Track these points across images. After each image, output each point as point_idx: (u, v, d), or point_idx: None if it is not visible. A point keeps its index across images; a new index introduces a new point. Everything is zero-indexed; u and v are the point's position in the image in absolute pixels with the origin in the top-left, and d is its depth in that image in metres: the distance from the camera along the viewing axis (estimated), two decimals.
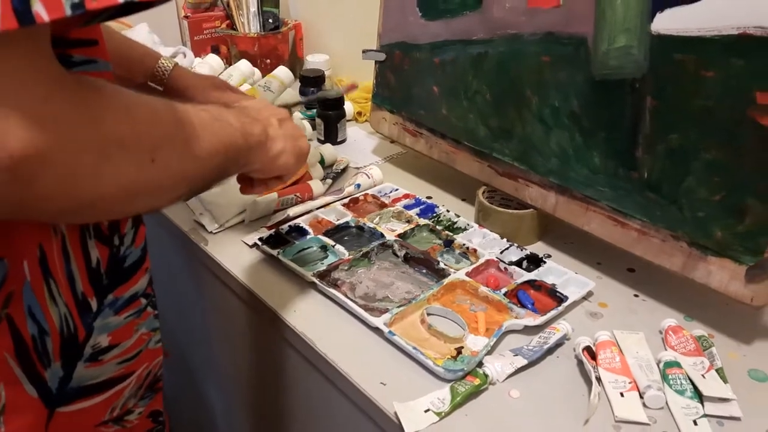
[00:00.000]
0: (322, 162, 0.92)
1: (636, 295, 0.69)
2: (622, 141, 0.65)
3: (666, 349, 0.60)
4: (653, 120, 0.62)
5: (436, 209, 0.83)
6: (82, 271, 0.48)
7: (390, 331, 0.61)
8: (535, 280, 0.68)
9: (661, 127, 0.62)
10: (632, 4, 0.61)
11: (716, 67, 0.56)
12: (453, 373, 0.56)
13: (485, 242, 0.76)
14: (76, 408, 0.52)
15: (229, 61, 1.29)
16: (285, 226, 0.78)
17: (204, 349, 0.94)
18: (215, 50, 1.36)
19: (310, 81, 1.11)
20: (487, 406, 0.55)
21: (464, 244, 0.74)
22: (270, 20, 1.31)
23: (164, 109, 0.42)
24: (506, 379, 0.57)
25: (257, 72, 1.15)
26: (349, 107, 1.10)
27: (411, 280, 0.70)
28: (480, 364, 0.58)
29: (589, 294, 0.68)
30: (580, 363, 0.59)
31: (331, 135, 1.03)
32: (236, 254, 0.75)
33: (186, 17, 1.35)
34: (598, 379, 0.56)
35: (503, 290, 0.66)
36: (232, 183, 0.60)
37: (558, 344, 0.61)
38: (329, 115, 1.02)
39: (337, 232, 0.78)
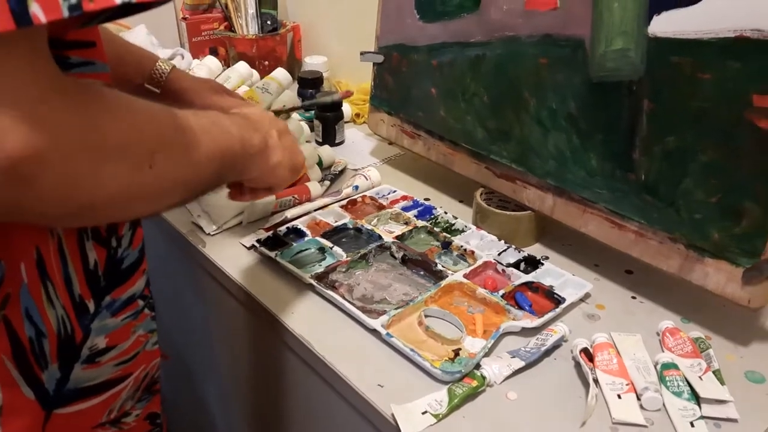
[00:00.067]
0: (320, 164, 0.92)
1: (633, 297, 0.69)
2: (620, 143, 0.65)
3: (663, 351, 0.60)
4: (650, 122, 0.62)
5: (433, 211, 0.83)
6: (80, 273, 0.48)
7: (388, 333, 0.61)
8: (532, 282, 0.68)
9: (658, 129, 0.62)
10: (629, 7, 0.61)
11: (713, 69, 0.57)
12: (450, 375, 0.56)
13: (483, 244, 0.76)
14: (74, 410, 0.51)
15: (227, 63, 1.29)
16: (283, 228, 0.78)
17: (202, 350, 0.94)
18: (213, 52, 1.36)
19: (309, 83, 1.11)
20: (485, 407, 0.55)
21: (462, 246, 0.74)
22: (268, 22, 1.31)
23: (163, 115, 0.42)
24: (504, 381, 0.57)
25: (255, 74, 1.15)
26: (347, 109, 1.10)
27: (409, 282, 0.70)
28: (477, 366, 0.58)
29: (587, 296, 0.68)
30: (578, 365, 0.59)
31: (329, 137, 1.03)
32: (234, 256, 0.75)
33: (184, 19, 1.35)
34: (596, 381, 0.56)
35: (501, 292, 0.66)
36: None
37: (555, 346, 0.61)
38: (327, 117, 1.02)
39: (335, 233, 0.78)
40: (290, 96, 1.08)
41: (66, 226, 0.46)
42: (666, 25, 0.59)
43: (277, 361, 0.72)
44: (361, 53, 0.95)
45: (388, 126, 0.95)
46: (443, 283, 0.68)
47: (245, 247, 0.76)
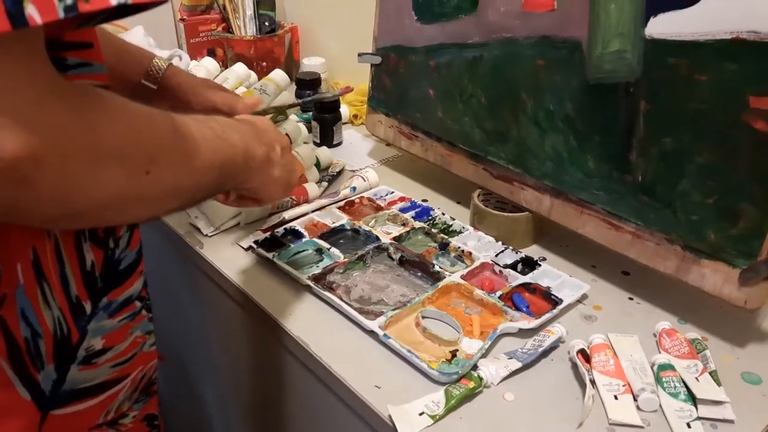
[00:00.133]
0: (317, 165, 0.92)
1: (630, 298, 0.69)
2: (617, 144, 0.66)
3: (660, 352, 0.60)
4: (647, 124, 0.63)
5: (431, 212, 0.83)
6: (77, 274, 0.48)
7: (385, 334, 0.61)
8: (529, 283, 0.68)
9: (655, 130, 0.62)
10: (626, 9, 0.61)
11: (709, 71, 0.57)
12: (448, 376, 0.56)
13: (480, 245, 0.76)
14: (70, 411, 0.51)
15: (225, 64, 1.29)
16: (280, 229, 0.78)
17: (200, 352, 0.94)
18: (211, 53, 1.36)
19: (306, 84, 1.11)
20: (482, 409, 0.55)
21: (459, 247, 0.74)
22: (266, 23, 1.31)
23: (162, 120, 0.42)
24: (501, 382, 0.57)
25: (253, 75, 1.14)
26: (344, 110, 1.10)
27: (406, 283, 0.70)
28: (475, 367, 0.58)
29: (584, 297, 0.68)
30: (575, 366, 0.59)
31: (327, 138, 1.03)
32: (231, 257, 0.75)
33: (182, 20, 1.35)
34: (593, 382, 0.56)
35: (498, 293, 0.66)
36: None
37: (552, 347, 0.61)
38: (325, 118, 1.03)
39: (332, 235, 0.78)
40: (288, 97, 1.08)
41: (63, 228, 0.46)
42: (663, 26, 0.59)
43: (274, 362, 0.72)
44: (359, 54, 0.95)
45: (386, 127, 0.95)
46: (440, 284, 0.68)
47: (243, 248, 0.76)
